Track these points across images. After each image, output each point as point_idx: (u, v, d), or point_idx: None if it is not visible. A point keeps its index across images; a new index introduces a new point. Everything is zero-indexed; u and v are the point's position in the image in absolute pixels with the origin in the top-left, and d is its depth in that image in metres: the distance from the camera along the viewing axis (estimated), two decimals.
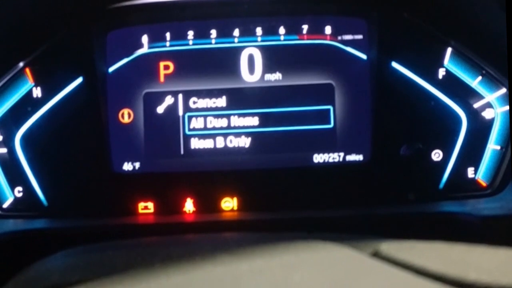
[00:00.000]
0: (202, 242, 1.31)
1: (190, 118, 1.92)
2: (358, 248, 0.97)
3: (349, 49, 1.94)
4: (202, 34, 1.94)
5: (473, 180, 1.93)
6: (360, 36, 1.94)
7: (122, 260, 1.11)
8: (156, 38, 1.93)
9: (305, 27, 1.94)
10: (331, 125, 1.92)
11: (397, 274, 0.86)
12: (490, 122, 1.91)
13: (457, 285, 0.82)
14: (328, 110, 1.92)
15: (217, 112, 1.92)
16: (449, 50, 1.91)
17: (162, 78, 1.93)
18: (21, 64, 1.90)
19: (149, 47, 1.93)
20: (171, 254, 1.05)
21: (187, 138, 1.92)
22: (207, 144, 1.92)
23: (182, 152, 1.92)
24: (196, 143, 1.92)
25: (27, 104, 1.90)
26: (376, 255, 0.94)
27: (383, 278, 0.86)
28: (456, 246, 0.99)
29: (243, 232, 1.53)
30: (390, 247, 0.95)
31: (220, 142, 1.92)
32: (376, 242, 0.99)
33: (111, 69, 1.93)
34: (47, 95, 1.90)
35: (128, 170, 1.93)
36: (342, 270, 0.89)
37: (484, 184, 1.92)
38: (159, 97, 1.92)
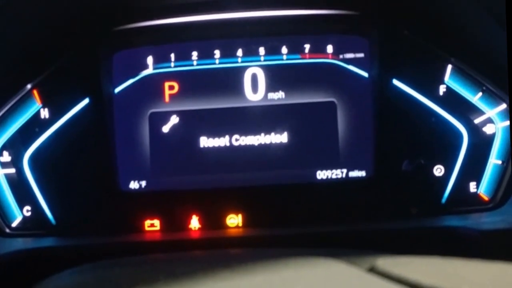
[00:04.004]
0: (205, 259, 1.33)
1: (195, 137, 1.95)
2: (355, 263, 0.99)
3: (351, 67, 1.97)
4: (206, 55, 1.97)
5: (475, 195, 1.94)
6: (361, 55, 1.97)
7: (128, 277, 1.13)
8: (161, 59, 1.97)
9: (307, 46, 1.97)
10: (334, 142, 1.95)
11: None
12: (491, 137, 1.93)
13: None
14: (331, 127, 1.95)
15: (221, 131, 1.95)
16: (450, 67, 1.94)
17: (167, 98, 1.96)
18: (29, 86, 1.93)
19: (154, 68, 1.97)
20: (175, 270, 1.07)
21: (192, 156, 1.95)
22: (212, 162, 1.95)
23: (187, 170, 1.95)
24: (201, 161, 1.95)
25: (35, 125, 1.93)
26: (373, 270, 0.96)
27: None
28: (451, 260, 1.01)
29: (247, 248, 1.55)
30: (386, 263, 0.97)
31: (224, 160, 1.95)
32: (373, 257, 1.01)
33: (117, 90, 1.96)
34: (55, 116, 1.93)
35: (134, 189, 1.96)
36: (339, 285, 0.91)
37: (486, 198, 1.94)
38: (164, 117, 1.95)
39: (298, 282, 0.91)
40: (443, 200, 1.94)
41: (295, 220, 1.89)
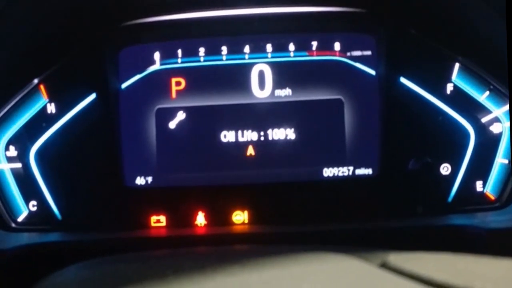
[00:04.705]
0: (213, 254, 1.33)
1: (201, 133, 1.95)
2: (366, 259, 0.99)
3: (358, 65, 1.96)
4: (213, 51, 1.97)
5: (482, 194, 1.94)
6: (368, 52, 1.97)
7: (135, 272, 1.13)
8: (168, 55, 1.97)
9: (314, 44, 1.96)
10: (341, 140, 1.95)
11: (405, 284, 0.88)
12: (498, 136, 1.93)
13: None
14: (338, 125, 1.95)
15: (228, 127, 1.95)
16: (457, 65, 1.93)
17: (174, 94, 1.96)
18: (35, 80, 1.93)
19: (161, 64, 1.97)
20: (183, 266, 1.07)
21: (198, 153, 1.95)
22: (218, 158, 1.95)
23: (193, 166, 1.95)
24: (207, 158, 1.95)
25: (42, 120, 1.93)
26: (384, 266, 0.96)
27: None
28: (462, 256, 1.01)
29: (254, 244, 1.55)
30: (397, 258, 0.97)
31: (231, 157, 1.94)
32: (384, 253, 1.01)
33: (123, 86, 1.96)
34: (61, 111, 1.93)
35: (140, 184, 1.96)
36: (351, 281, 0.91)
37: (492, 197, 1.94)
38: (171, 113, 1.95)
39: (309, 277, 0.91)
40: (449, 199, 1.93)
41: (301, 217, 1.89)
